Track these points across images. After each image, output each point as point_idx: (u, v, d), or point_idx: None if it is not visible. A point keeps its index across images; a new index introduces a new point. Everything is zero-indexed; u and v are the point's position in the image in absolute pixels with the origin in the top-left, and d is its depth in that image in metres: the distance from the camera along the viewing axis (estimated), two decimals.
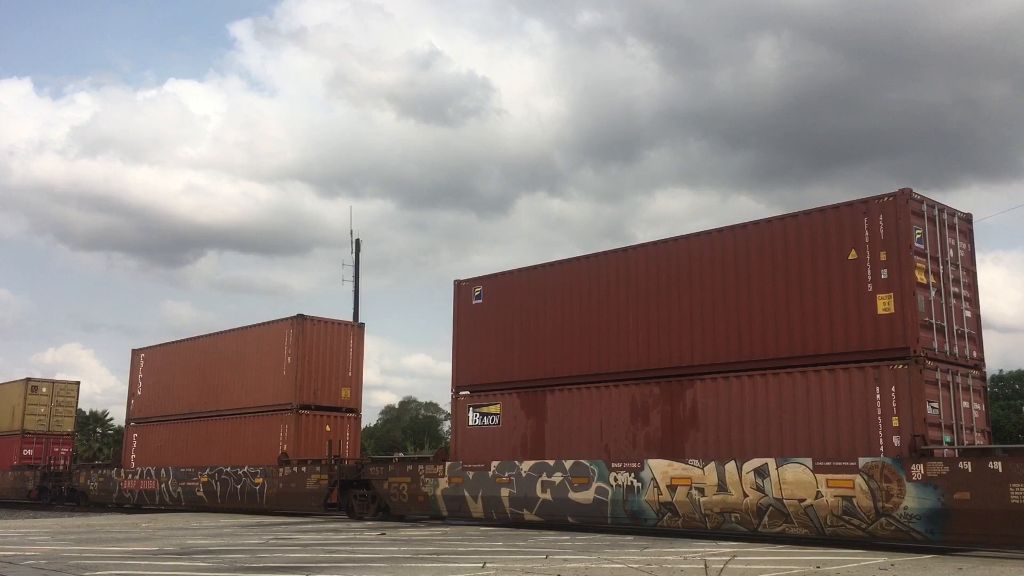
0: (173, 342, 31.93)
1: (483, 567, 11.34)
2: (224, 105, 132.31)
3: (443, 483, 20.93)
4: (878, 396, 14.52)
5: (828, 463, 14.74)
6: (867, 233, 15.04)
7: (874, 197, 15.11)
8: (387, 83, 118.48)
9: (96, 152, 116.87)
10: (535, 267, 20.58)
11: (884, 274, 14.75)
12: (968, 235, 15.99)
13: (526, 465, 19.33)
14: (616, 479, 17.66)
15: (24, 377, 41.80)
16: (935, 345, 14.65)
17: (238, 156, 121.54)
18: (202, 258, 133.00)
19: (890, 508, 13.93)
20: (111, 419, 73.64)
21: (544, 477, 18.95)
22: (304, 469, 24.90)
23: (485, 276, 21.64)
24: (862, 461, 14.37)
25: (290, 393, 26.19)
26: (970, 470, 13.20)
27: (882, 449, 14.32)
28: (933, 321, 14.70)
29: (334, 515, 24.34)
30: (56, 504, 35.96)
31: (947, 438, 14.46)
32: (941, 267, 15.15)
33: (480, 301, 21.45)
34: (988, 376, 16.07)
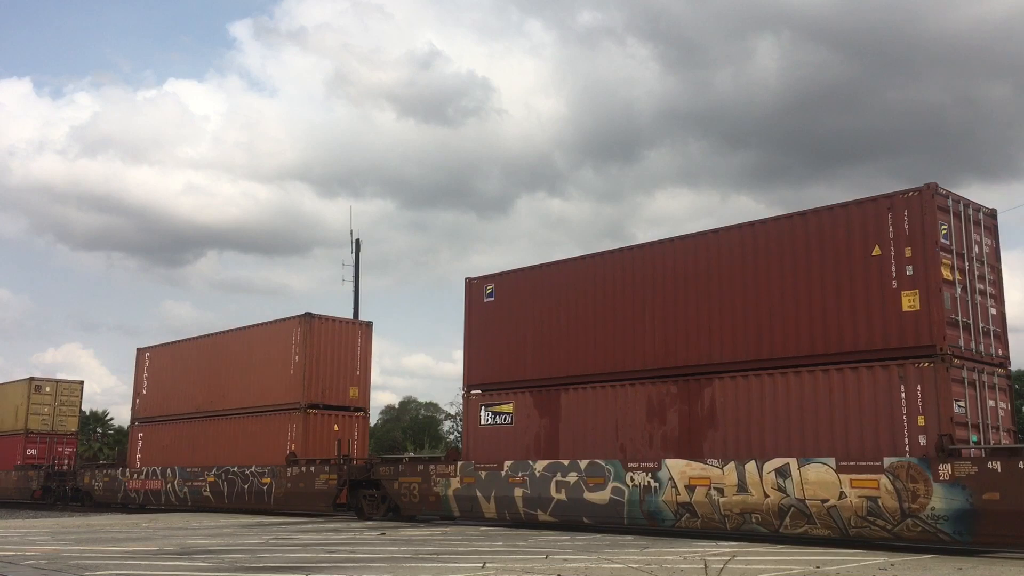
0: (179, 341, 31.66)
1: (483, 567, 11.28)
2: (224, 105, 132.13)
3: (455, 483, 20.67)
4: (903, 395, 14.25)
5: (852, 463, 14.48)
6: (891, 229, 14.77)
7: (899, 192, 14.84)
8: (387, 83, 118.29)
9: (96, 152, 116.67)
10: (548, 264, 20.32)
11: (909, 271, 14.48)
12: (993, 231, 15.73)
13: (540, 465, 19.07)
14: (633, 479, 17.40)
15: (27, 376, 41.58)
16: (961, 343, 14.38)
17: (238, 156, 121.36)
18: (202, 258, 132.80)
19: (916, 509, 13.67)
20: (111, 419, 73.39)
21: (558, 477, 18.69)
22: (313, 469, 24.63)
23: (497, 274, 21.38)
24: (887, 461, 14.10)
25: (298, 392, 25.92)
26: (1000, 470, 12.94)
27: (907, 449, 14.05)
28: (959, 318, 14.43)
29: (344, 515, 24.08)
30: (60, 504, 35.71)
31: (973, 437, 14.19)
32: (966, 263, 14.88)
33: (492, 299, 21.18)
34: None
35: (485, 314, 21.27)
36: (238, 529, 19.84)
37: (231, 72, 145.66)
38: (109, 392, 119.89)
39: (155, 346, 32.74)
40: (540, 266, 20.47)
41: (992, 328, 15.18)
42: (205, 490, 28.07)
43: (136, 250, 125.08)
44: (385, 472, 22.47)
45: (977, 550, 13.50)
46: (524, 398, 19.94)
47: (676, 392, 17.27)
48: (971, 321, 14.69)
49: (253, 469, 26.43)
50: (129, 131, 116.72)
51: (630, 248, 18.71)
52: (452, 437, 76.62)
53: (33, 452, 40.26)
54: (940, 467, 13.50)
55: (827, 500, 14.63)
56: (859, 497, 14.28)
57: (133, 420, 32.93)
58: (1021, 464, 12.80)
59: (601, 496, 17.85)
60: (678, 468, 16.74)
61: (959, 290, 14.57)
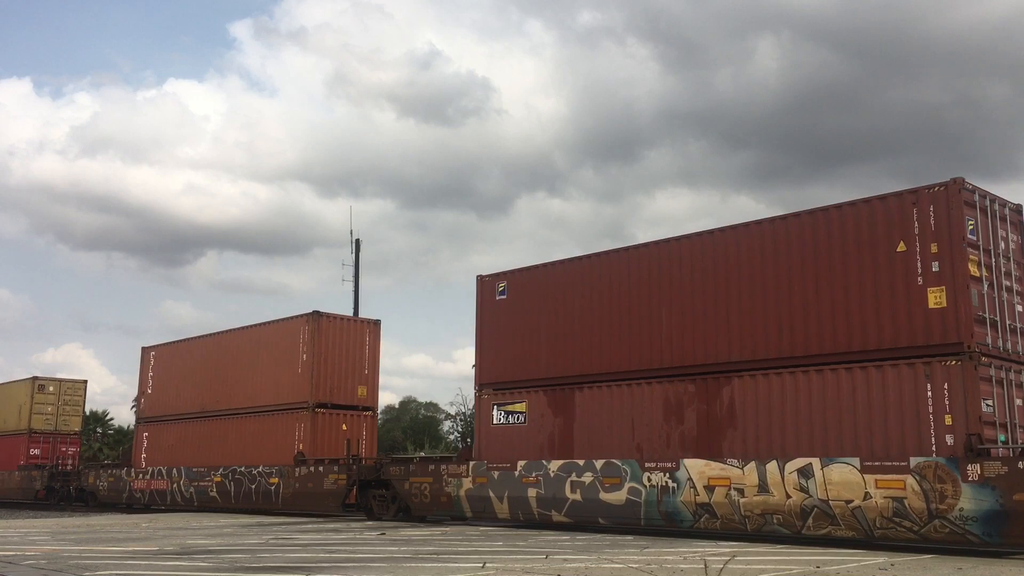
0: (184, 340, 31.38)
1: (483, 567, 11.21)
2: (224, 105, 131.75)
3: (467, 483, 20.39)
4: (929, 393, 13.96)
5: (877, 463, 14.19)
6: (916, 224, 14.48)
7: (924, 187, 14.56)
8: (387, 83, 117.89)
9: (96, 152, 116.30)
10: (562, 261, 20.04)
11: (935, 267, 14.20)
12: (1019, 226, 15.44)
13: (554, 465, 18.79)
14: (650, 479, 17.12)
15: (31, 376, 41.31)
16: (988, 340, 14.09)
17: (238, 156, 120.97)
18: (202, 258, 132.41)
19: (944, 510, 13.39)
20: (111, 419, 73.11)
21: (573, 477, 18.41)
22: (321, 469, 24.36)
23: (509, 271, 21.09)
24: (913, 461, 13.82)
25: (306, 391, 25.65)
26: None
27: (934, 448, 13.77)
28: (987, 316, 14.15)
29: (353, 516, 23.80)
30: (64, 504, 35.43)
31: (1001, 437, 13.91)
32: (993, 259, 14.59)
33: (504, 297, 20.90)
34: None
35: (497, 312, 20.98)
36: (238, 529, 19.76)
37: (231, 72, 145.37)
38: (109, 392, 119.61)
39: (160, 345, 32.47)
40: (553, 263, 20.19)
41: (1019, 325, 14.89)
42: (212, 490, 27.80)
43: (136, 250, 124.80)
44: (395, 472, 22.20)
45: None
46: (537, 397, 19.66)
47: (694, 391, 16.99)
48: (998, 318, 14.40)
49: (260, 469, 26.16)
50: (129, 131, 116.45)
51: (646, 245, 18.43)
52: (452, 437, 76.39)
53: (36, 452, 39.99)
54: (969, 467, 13.22)
55: (851, 501, 14.34)
56: (885, 498, 14.00)
57: (138, 420, 32.67)
58: None
59: (617, 496, 17.57)
60: (697, 468, 16.46)
61: (986, 287, 14.29)
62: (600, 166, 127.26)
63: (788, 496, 15.12)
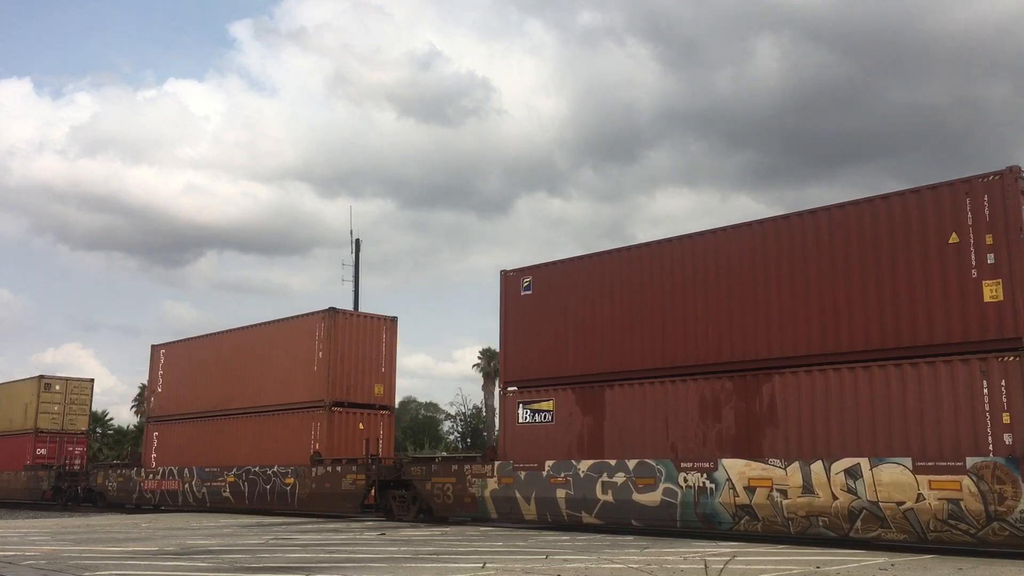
0: (196, 337, 30.81)
1: (483, 567, 11.16)
2: (224, 105, 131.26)
3: (492, 483, 19.84)
4: (985, 391, 13.39)
5: (930, 463, 13.63)
6: (970, 215, 13.92)
7: (978, 176, 14.00)
8: (387, 83, 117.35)
9: (96, 152, 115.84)
10: (590, 256, 19.49)
11: (991, 259, 13.64)
12: None
13: (584, 465, 18.23)
14: (686, 480, 16.56)
15: (37, 375, 40.75)
16: None
17: (238, 156, 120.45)
18: (202, 258, 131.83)
19: (1004, 512, 12.83)
20: (111, 419, 72.70)
21: (605, 478, 17.85)
22: (339, 469, 23.80)
23: (534, 266, 20.53)
24: (970, 461, 13.26)
25: (322, 390, 25.09)
26: None
27: (991, 448, 13.21)
28: None
29: (373, 517, 23.26)
30: (72, 505, 34.89)
31: None
32: None
33: (529, 292, 20.34)
34: None
35: (522, 308, 20.42)
36: (238, 529, 19.56)
37: (231, 72, 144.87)
38: (109, 392, 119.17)
39: (170, 343, 31.90)
40: (581, 257, 19.64)
41: None
42: (225, 490, 27.25)
43: (136, 250, 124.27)
44: (417, 472, 21.64)
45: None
46: (565, 395, 19.10)
47: (732, 388, 16.43)
48: None
49: (275, 469, 25.60)
50: (129, 131, 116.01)
51: (679, 238, 17.86)
52: (452, 437, 75.93)
53: (43, 452, 39.43)
54: None
55: (903, 503, 13.79)
56: (939, 499, 13.44)
57: (148, 419, 32.12)
58: None
59: (651, 498, 17.01)
60: (736, 468, 15.90)
61: None
62: (600, 166, 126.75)
63: (835, 497, 14.57)
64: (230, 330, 29.28)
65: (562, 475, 18.57)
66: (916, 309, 14.30)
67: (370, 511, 23.36)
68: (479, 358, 75.96)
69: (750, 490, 15.64)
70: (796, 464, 15.13)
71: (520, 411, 19.89)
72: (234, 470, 26.99)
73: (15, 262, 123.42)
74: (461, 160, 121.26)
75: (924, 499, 13.58)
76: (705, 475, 16.32)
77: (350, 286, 39.18)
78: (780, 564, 11.64)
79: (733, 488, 15.86)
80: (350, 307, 38.89)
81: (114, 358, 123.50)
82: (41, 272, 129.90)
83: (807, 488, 14.91)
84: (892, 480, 13.95)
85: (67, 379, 41.27)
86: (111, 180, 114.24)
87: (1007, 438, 13.09)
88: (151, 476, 30.53)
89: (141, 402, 76.48)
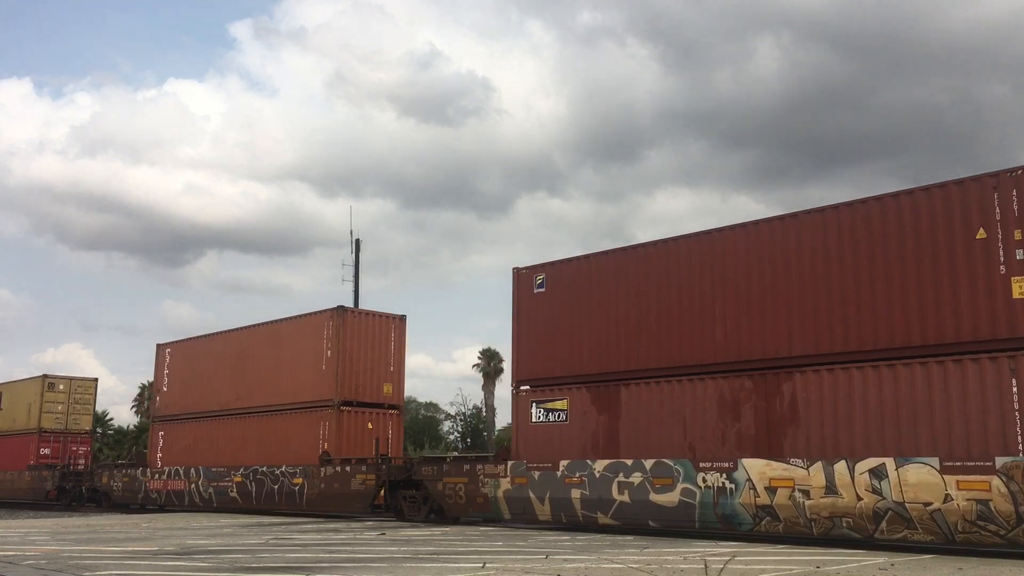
0: (202, 336, 30.54)
1: (483, 567, 11.12)
2: (224, 105, 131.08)
3: (505, 484, 19.57)
4: (1015, 389, 13.12)
5: (958, 463, 13.36)
6: (998, 210, 13.65)
7: (1006, 170, 13.74)
8: (387, 83, 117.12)
9: (96, 152, 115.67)
10: (605, 252, 19.22)
11: (1020, 254, 13.37)
12: None
13: (600, 465, 17.96)
14: (705, 480, 16.30)
15: (40, 374, 40.51)
16: None
17: (238, 156, 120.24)
18: (202, 258, 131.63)
19: None
20: (111, 419, 72.49)
21: (621, 478, 17.58)
22: (348, 469, 23.54)
23: (548, 263, 20.26)
24: (999, 461, 12.99)
25: (331, 389, 24.82)
26: None
27: (1021, 447, 12.94)
28: None
29: (383, 517, 23.00)
30: (76, 505, 34.63)
31: None
32: None
33: (542, 290, 20.07)
34: None
35: (535, 306, 20.15)
36: (238, 529, 19.47)
37: (231, 72, 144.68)
38: (109, 392, 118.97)
39: (176, 341, 31.63)
40: (596, 254, 19.37)
41: None
42: (232, 491, 26.98)
43: (136, 250, 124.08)
44: (428, 472, 21.37)
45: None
46: (580, 394, 18.84)
47: (751, 387, 16.17)
48: None
49: (284, 469, 25.34)
50: (129, 131, 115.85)
51: (697, 235, 17.59)
52: (452, 437, 75.71)
53: (47, 452, 39.15)
54: None
55: (930, 503, 13.52)
56: (967, 500, 13.17)
57: (153, 418, 31.85)
58: None
59: (669, 498, 16.75)
60: (757, 468, 15.64)
61: None
62: (600, 166, 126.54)
63: (859, 498, 14.30)
64: (237, 329, 29.00)
65: (577, 475, 18.30)
66: (942, 306, 14.04)
67: (379, 512, 23.09)
68: (479, 358, 75.82)
69: (771, 490, 15.38)
70: (819, 464, 14.86)
71: (533, 410, 19.63)
72: (241, 470, 26.73)
73: (15, 262, 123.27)
74: (461, 160, 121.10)
75: (952, 500, 13.32)
76: (724, 475, 16.05)
77: (350, 286, 39.07)
78: (780, 564, 11.60)
79: (753, 488, 15.60)
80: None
81: (114, 358, 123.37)
82: (41, 272, 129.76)
83: (830, 488, 14.64)
84: (919, 480, 13.69)
85: (71, 378, 41.01)
86: (111, 180, 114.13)
87: None
88: (157, 476, 30.27)
89: (141, 402, 76.33)
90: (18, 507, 36.65)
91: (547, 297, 19.92)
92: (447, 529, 18.75)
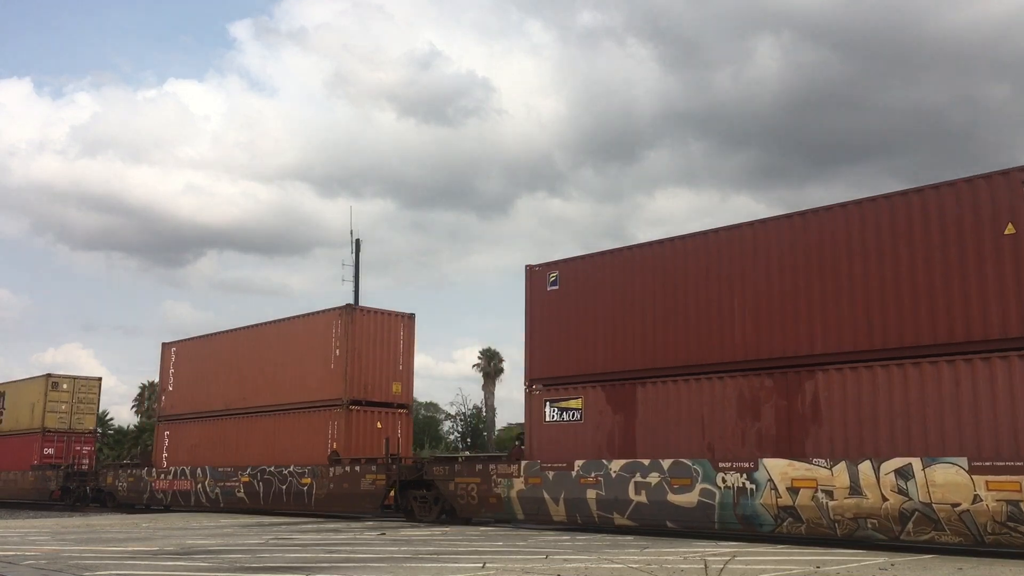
0: (208, 335, 30.26)
1: (483, 567, 11.10)
2: (224, 105, 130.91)
3: (518, 484, 19.30)
4: None
5: (987, 463, 13.09)
6: None
7: None
8: (387, 83, 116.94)
9: (96, 152, 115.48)
10: (620, 249, 18.95)
11: None
12: None
13: (616, 465, 17.69)
14: (724, 480, 16.03)
15: (44, 373, 40.23)
16: None
17: (238, 156, 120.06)
18: (202, 258, 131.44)
19: None
20: (111, 419, 72.25)
21: (638, 478, 17.32)
22: (358, 469, 23.27)
23: (561, 260, 20.00)
24: None
25: (339, 388, 24.55)
26: None
27: None
28: None
29: (393, 518, 22.74)
30: (81, 505, 34.38)
31: None
32: None
33: (556, 287, 19.80)
34: None
35: (548, 303, 19.88)
36: (238, 529, 19.40)
37: (231, 72, 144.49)
38: (109, 392, 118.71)
39: (182, 340, 31.37)
40: (611, 251, 19.10)
41: None
42: (239, 491, 26.72)
43: (136, 250, 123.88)
44: (439, 472, 21.10)
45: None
46: (595, 393, 18.57)
47: (772, 386, 15.90)
48: None
49: (292, 469, 25.07)
50: (129, 131, 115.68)
51: (715, 231, 17.33)
52: (452, 437, 75.51)
53: (50, 451, 38.89)
54: None
55: (958, 504, 13.25)
56: (997, 501, 12.90)
57: (158, 418, 31.60)
58: None
59: (688, 499, 16.48)
60: (778, 468, 15.37)
61: None
62: (600, 166, 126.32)
63: (884, 499, 14.03)
64: (244, 327, 28.73)
65: (592, 475, 18.04)
66: (970, 303, 13.77)
67: (390, 512, 22.83)
68: (479, 358, 75.62)
69: (793, 491, 15.11)
70: (842, 464, 14.59)
71: (547, 409, 19.37)
72: (248, 470, 26.47)
73: (15, 262, 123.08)
74: (461, 160, 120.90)
75: (981, 500, 13.05)
76: (745, 475, 15.79)
77: (350, 286, 38.74)
78: (780, 564, 11.55)
79: (775, 489, 15.33)
80: None
81: (114, 358, 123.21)
82: (41, 272, 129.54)
83: (855, 489, 14.38)
84: (946, 481, 13.42)
85: (74, 378, 40.74)
86: (111, 180, 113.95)
87: None
88: (163, 476, 30.00)
89: (142, 402, 76.07)
90: (19, 507, 36.40)
91: (561, 295, 19.66)
92: (447, 529, 18.62)
